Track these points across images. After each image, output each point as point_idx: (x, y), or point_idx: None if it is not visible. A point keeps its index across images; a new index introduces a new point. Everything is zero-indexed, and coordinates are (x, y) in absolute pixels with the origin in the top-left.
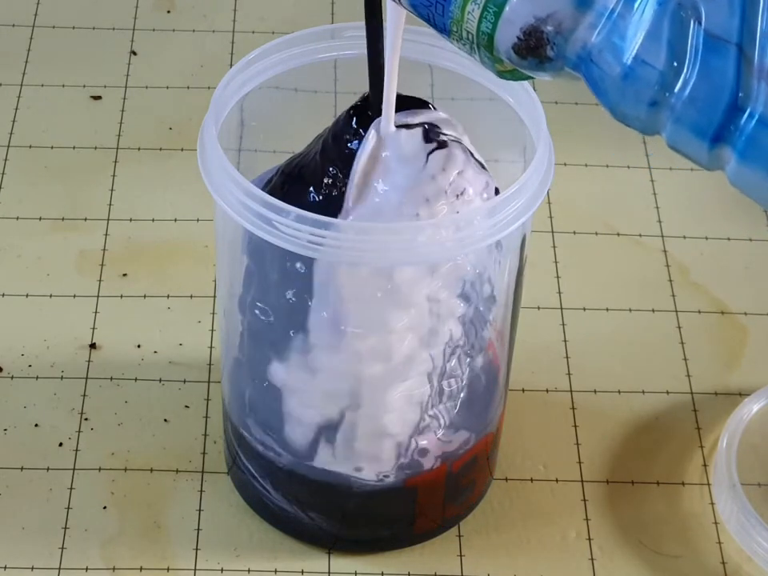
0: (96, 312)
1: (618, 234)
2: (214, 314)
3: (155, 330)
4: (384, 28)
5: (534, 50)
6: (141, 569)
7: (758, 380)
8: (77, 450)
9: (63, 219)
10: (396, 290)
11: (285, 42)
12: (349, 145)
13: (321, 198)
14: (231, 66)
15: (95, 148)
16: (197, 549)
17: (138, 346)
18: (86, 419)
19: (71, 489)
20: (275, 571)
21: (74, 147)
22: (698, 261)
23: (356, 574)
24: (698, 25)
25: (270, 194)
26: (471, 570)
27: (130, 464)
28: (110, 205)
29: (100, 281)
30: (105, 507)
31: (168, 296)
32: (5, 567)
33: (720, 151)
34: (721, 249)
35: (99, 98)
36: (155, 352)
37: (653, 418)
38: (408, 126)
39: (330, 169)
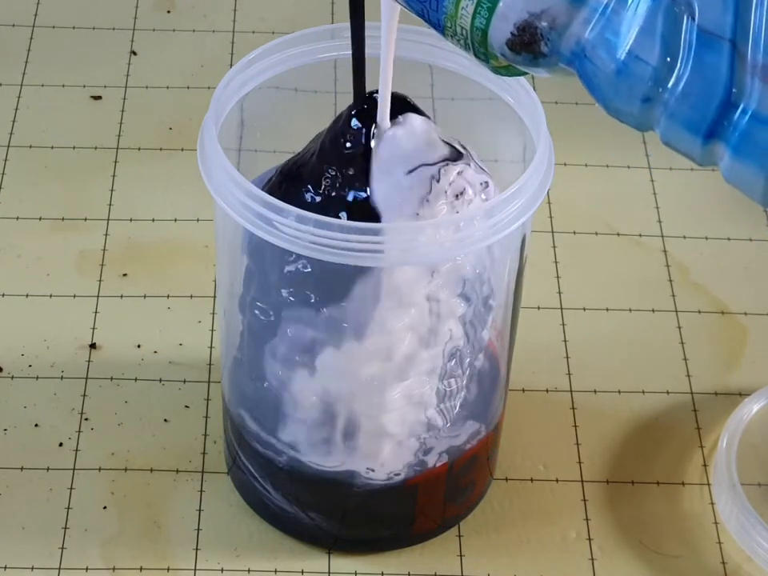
0: (96, 312)
1: (618, 234)
2: (214, 313)
3: (155, 330)
4: (366, 23)
5: (528, 46)
6: (141, 569)
7: (758, 380)
8: (77, 450)
9: (63, 219)
10: (396, 290)
11: (285, 42)
12: (347, 145)
13: (319, 197)
14: (231, 66)
15: (95, 148)
16: (197, 549)
17: (138, 346)
18: (86, 419)
19: (71, 489)
20: (275, 571)
21: (74, 147)
22: (697, 261)
23: (356, 574)
24: (692, 20)
25: (269, 194)
26: (471, 570)
27: (130, 464)
28: (110, 205)
29: (100, 281)
30: (105, 507)
31: (168, 296)
32: (5, 567)
33: (713, 147)
34: (721, 249)
35: (99, 97)
36: (155, 352)
37: (653, 418)
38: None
39: (329, 169)
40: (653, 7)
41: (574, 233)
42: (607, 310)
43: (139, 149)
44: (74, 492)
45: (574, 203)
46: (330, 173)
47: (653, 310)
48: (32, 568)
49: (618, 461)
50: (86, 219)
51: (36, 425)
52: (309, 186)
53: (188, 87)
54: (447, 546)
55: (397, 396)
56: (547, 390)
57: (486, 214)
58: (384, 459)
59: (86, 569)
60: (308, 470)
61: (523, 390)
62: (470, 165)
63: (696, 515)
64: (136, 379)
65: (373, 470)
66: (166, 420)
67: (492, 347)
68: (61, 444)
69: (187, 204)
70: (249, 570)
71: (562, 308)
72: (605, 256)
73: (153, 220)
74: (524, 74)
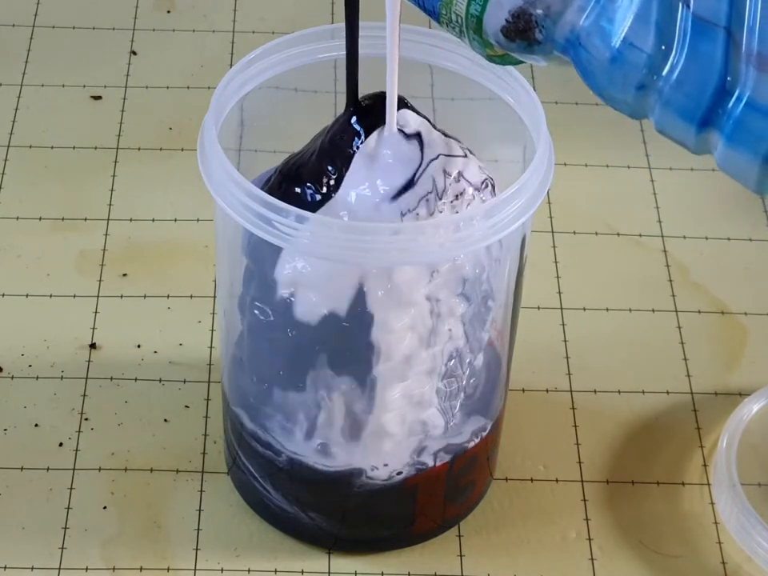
0: (96, 312)
1: (618, 234)
2: (214, 314)
3: (155, 330)
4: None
5: (523, 33)
6: (141, 569)
7: (758, 380)
8: (77, 450)
9: (63, 219)
10: (396, 290)
11: (285, 42)
12: (347, 145)
13: (319, 197)
14: (231, 66)
15: (95, 148)
16: (197, 549)
17: (138, 346)
18: (86, 419)
19: (71, 489)
20: (275, 571)
21: (74, 147)
22: (697, 261)
23: (356, 574)
24: (687, 8)
25: (269, 194)
26: (471, 570)
27: (130, 464)
28: (110, 205)
29: (100, 281)
30: (105, 507)
31: (168, 296)
32: (5, 567)
33: (708, 135)
34: (721, 249)
35: (99, 97)
36: (155, 352)
37: (653, 418)
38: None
39: (329, 168)
40: None
41: (574, 233)
42: (607, 310)
43: (139, 149)
44: (74, 492)
45: (574, 203)
46: (329, 172)
47: (653, 310)
48: (32, 568)
49: (618, 461)
50: (86, 219)
51: (36, 425)
52: (309, 186)
53: (188, 87)
54: (447, 545)
55: (397, 396)
56: (547, 390)
57: (485, 214)
58: (384, 459)
59: (86, 569)
60: (308, 470)
61: (523, 390)
62: (469, 165)
63: (696, 515)
64: (136, 379)
65: (374, 470)
66: (166, 420)
67: (492, 347)
68: (61, 444)
69: (187, 204)
70: (249, 570)
71: (561, 308)
72: (605, 256)
73: (153, 220)
74: (519, 62)
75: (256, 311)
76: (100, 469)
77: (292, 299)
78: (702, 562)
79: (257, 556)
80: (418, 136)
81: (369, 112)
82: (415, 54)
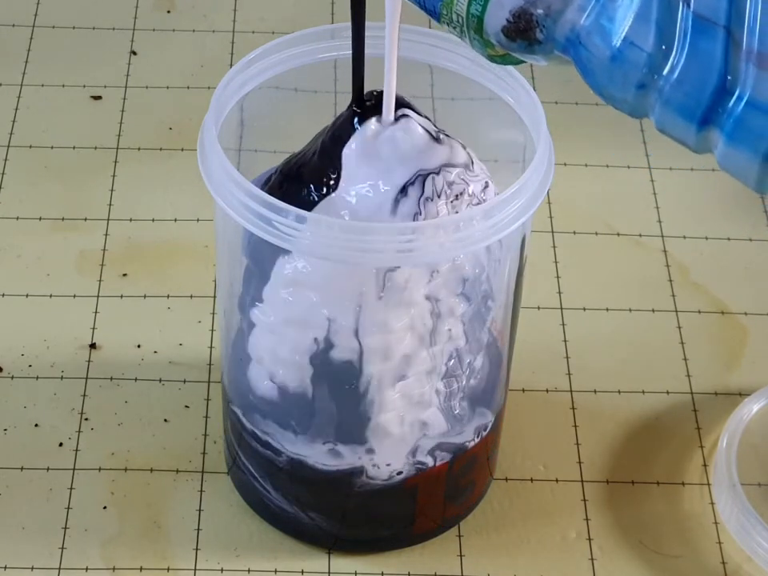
0: (96, 312)
1: (618, 234)
2: (214, 313)
3: (155, 330)
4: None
5: (524, 33)
6: (141, 569)
7: (758, 380)
8: (77, 450)
9: (63, 219)
10: (396, 290)
11: (285, 42)
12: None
13: (319, 197)
14: (231, 66)
15: (95, 148)
16: (197, 549)
17: (138, 346)
18: (86, 419)
19: (71, 489)
20: (275, 571)
21: (74, 147)
22: (697, 261)
23: (356, 574)
24: (687, 7)
25: (269, 194)
26: (471, 570)
27: (130, 464)
28: (110, 205)
29: (100, 281)
30: (105, 507)
31: (168, 296)
32: (5, 567)
33: (708, 134)
34: (721, 249)
35: (99, 97)
36: (155, 352)
37: (653, 418)
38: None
39: (329, 168)
40: None
41: (574, 233)
42: (607, 310)
43: (139, 149)
44: (74, 492)
45: (574, 203)
46: (330, 172)
47: (653, 310)
48: (32, 568)
49: (617, 461)
50: (86, 219)
51: (36, 425)
52: (309, 186)
53: (188, 87)
54: (447, 545)
55: (396, 396)
56: (547, 390)
57: (485, 214)
58: (384, 459)
59: (86, 569)
60: (308, 470)
61: (523, 390)
62: (469, 165)
63: (696, 515)
64: (136, 379)
65: (374, 470)
66: (166, 420)
67: (493, 346)
68: (61, 444)
69: (187, 204)
70: (249, 570)
71: (561, 308)
72: (605, 256)
73: (153, 220)
74: (520, 62)
75: (256, 311)
76: (100, 469)
77: (291, 299)
78: (701, 561)
79: (257, 556)
80: (419, 135)
81: (370, 111)
82: (415, 54)
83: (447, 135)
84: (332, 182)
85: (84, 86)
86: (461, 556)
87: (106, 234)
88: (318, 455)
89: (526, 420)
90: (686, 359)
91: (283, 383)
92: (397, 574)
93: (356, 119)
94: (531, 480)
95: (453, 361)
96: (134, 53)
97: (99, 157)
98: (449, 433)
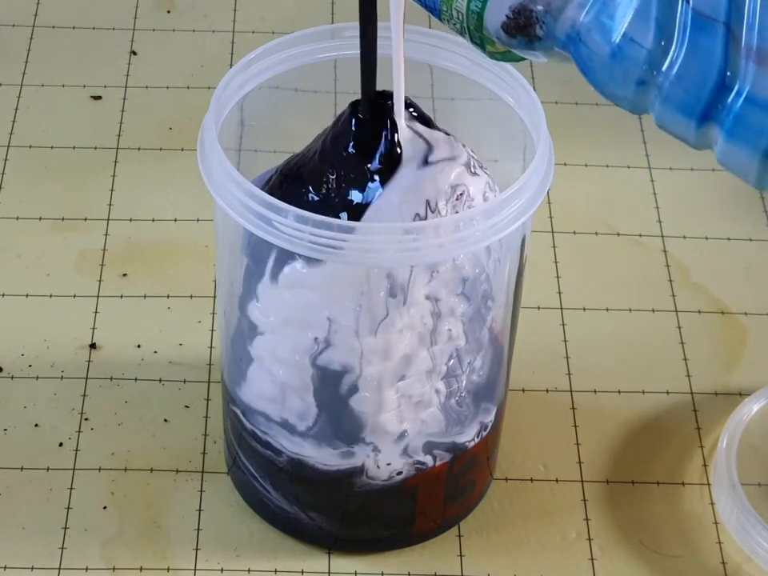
0: (96, 312)
1: (618, 234)
2: (214, 313)
3: (155, 330)
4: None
5: (524, 29)
6: (141, 569)
7: (758, 380)
8: (77, 450)
9: (63, 219)
10: (396, 290)
11: (285, 42)
12: (348, 145)
13: (319, 198)
14: (231, 66)
15: (95, 148)
16: (197, 549)
17: (138, 346)
18: (86, 419)
19: (71, 489)
20: (275, 571)
21: (74, 147)
22: (697, 261)
23: (356, 574)
24: (686, 3)
25: (269, 194)
26: (471, 570)
27: (130, 464)
28: (110, 205)
29: (100, 281)
30: (105, 507)
31: (168, 296)
32: (5, 567)
33: (708, 130)
34: (721, 249)
35: (99, 97)
36: (155, 352)
37: (653, 418)
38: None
39: (330, 169)
40: None
41: (574, 233)
42: (607, 310)
43: (139, 149)
44: (74, 492)
45: (574, 203)
46: (330, 173)
47: (653, 310)
48: (32, 568)
49: (617, 461)
50: (86, 219)
51: (36, 425)
52: (310, 187)
53: (188, 87)
54: (447, 546)
55: (396, 395)
56: (547, 390)
57: (485, 214)
58: (384, 459)
59: (86, 569)
60: (308, 470)
61: (523, 390)
62: (470, 165)
63: (696, 515)
64: (136, 379)
65: (374, 470)
66: (166, 420)
67: (493, 346)
68: (61, 444)
69: (187, 204)
70: (249, 570)
71: (561, 308)
72: (605, 256)
73: (153, 220)
74: (520, 59)
75: (256, 311)
76: (100, 469)
77: (292, 299)
78: (702, 561)
79: (257, 556)
80: (420, 135)
81: (371, 111)
82: (415, 54)
83: (448, 134)
84: (332, 183)
85: (84, 86)
86: (461, 556)
87: (106, 234)
88: (317, 455)
89: (526, 420)
90: (686, 359)
91: (283, 383)
92: (397, 573)
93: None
94: (531, 480)
95: (453, 361)
96: (134, 53)
97: (99, 157)
98: (449, 433)
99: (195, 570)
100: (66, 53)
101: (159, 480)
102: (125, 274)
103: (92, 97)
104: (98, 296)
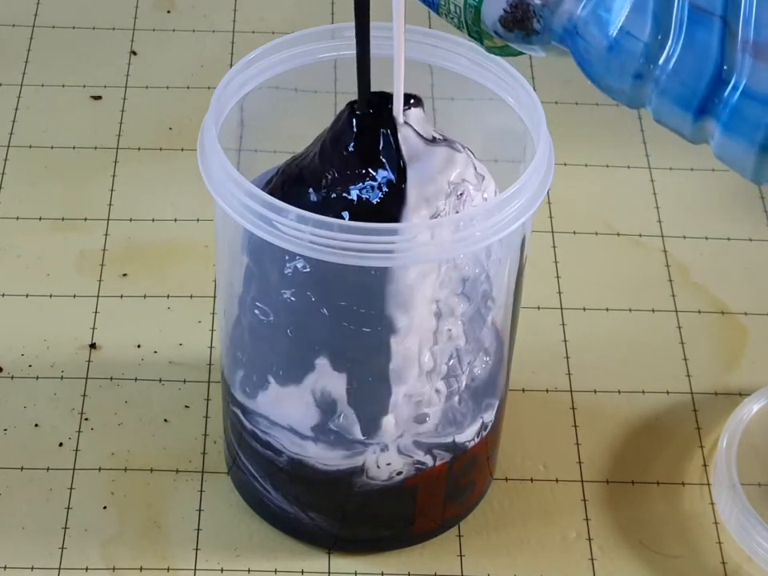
0: (96, 312)
1: (618, 234)
2: (214, 313)
3: (155, 330)
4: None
5: (521, 23)
6: (141, 569)
7: (758, 380)
8: (77, 450)
9: (63, 219)
10: (396, 290)
11: (285, 42)
12: (348, 145)
13: (320, 198)
14: (231, 66)
15: (95, 148)
16: (197, 549)
17: (138, 346)
18: (86, 419)
19: (71, 489)
20: (275, 571)
21: (74, 147)
22: (697, 261)
23: (356, 574)
24: None
25: (270, 194)
26: (471, 570)
27: (130, 464)
28: (110, 205)
29: (100, 281)
30: (105, 507)
31: (168, 296)
32: (5, 567)
33: (704, 124)
34: (721, 249)
35: (99, 97)
36: (155, 352)
37: (653, 418)
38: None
39: (330, 169)
40: None
41: (574, 233)
42: (607, 310)
43: (139, 149)
44: (74, 492)
45: (574, 203)
46: (330, 173)
47: (653, 310)
48: (32, 568)
49: (617, 461)
50: (85, 219)
51: (36, 425)
52: (310, 187)
53: (188, 87)
54: (447, 546)
55: (396, 396)
56: (547, 390)
57: (485, 214)
58: (384, 459)
59: (86, 569)
60: (308, 470)
61: (523, 390)
62: (469, 165)
63: (696, 515)
64: (136, 379)
65: (374, 469)
66: (166, 420)
67: (492, 347)
68: (61, 444)
69: (187, 204)
70: (249, 570)
71: (561, 308)
72: (605, 256)
73: (153, 220)
74: (518, 53)
75: (256, 311)
76: (100, 469)
77: (292, 299)
78: (701, 561)
79: (257, 556)
80: (420, 135)
81: (371, 111)
82: (415, 54)
83: (447, 135)
84: (332, 183)
85: (84, 86)
86: (461, 556)
87: (106, 234)
88: (318, 455)
89: (526, 420)
90: (686, 359)
91: (283, 383)
92: (397, 573)
93: (355, 119)
94: (531, 480)
95: (453, 361)
96: (134, 53)
97: (99, 157)
98: (449, 433)
99: (195, 570)
100: (66, 53)
101: (159, 480)
102: (125, 274)
103: (92, 97)
104: (97, 296)
